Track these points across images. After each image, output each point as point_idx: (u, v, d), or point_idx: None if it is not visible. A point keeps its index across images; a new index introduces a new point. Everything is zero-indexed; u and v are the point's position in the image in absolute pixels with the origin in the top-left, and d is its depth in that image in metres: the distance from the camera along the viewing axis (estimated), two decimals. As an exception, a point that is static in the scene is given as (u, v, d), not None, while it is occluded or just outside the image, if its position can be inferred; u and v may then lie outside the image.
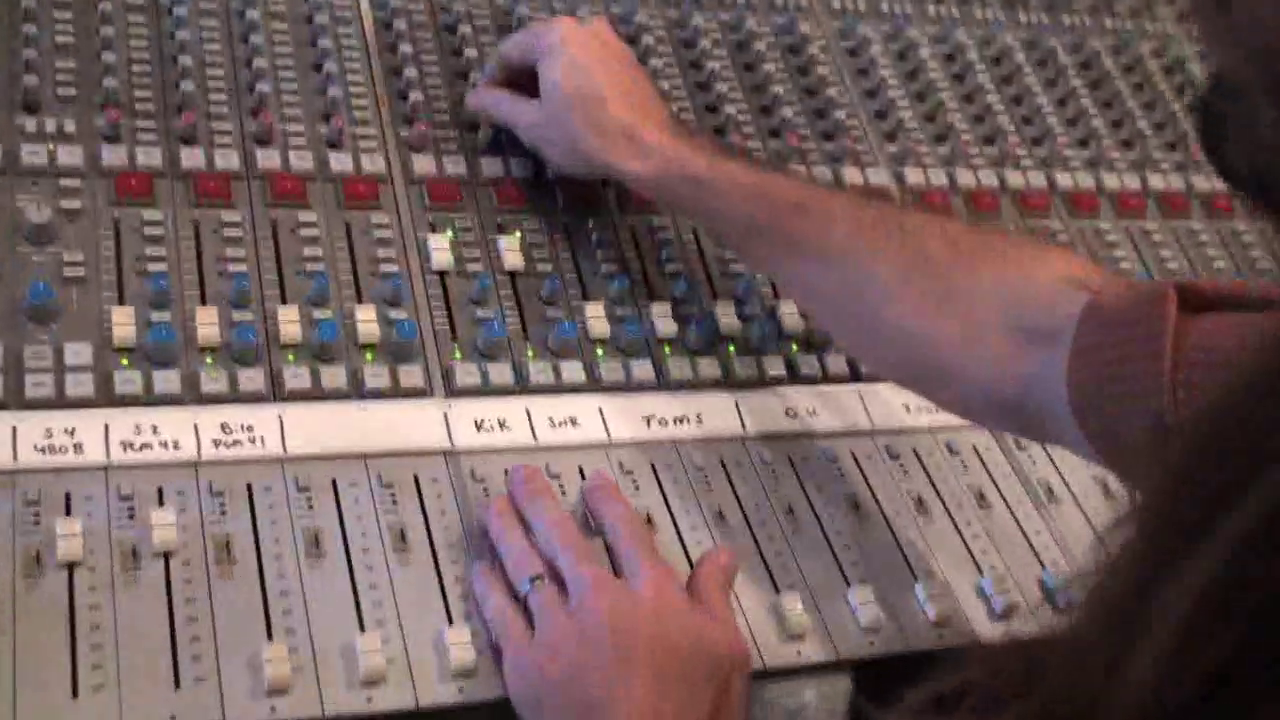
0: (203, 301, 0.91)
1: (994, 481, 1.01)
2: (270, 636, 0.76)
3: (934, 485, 0.99)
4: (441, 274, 0.98)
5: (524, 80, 1.02)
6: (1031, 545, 0.97)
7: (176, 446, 0.83)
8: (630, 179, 0.96)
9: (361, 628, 0.78)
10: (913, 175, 1.17)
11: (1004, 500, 1.00)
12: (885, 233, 0.85)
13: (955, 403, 0.89)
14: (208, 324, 0.89)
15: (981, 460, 1.02)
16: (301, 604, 0.78)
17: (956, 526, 0.97)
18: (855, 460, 0.98)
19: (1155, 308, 0.70)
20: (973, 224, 1.07)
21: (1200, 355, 0.68)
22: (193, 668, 0.74)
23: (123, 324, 0.87)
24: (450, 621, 0.80)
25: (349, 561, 0.81)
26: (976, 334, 0.81)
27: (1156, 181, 1.26)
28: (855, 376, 1.03)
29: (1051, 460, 1.03)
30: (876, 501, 0.96)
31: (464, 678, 0.78)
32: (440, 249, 0.98)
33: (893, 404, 1.02)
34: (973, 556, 0.95)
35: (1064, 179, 1.22)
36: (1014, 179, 1.20)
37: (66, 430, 0.82)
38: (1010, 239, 0.93)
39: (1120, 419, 0.71)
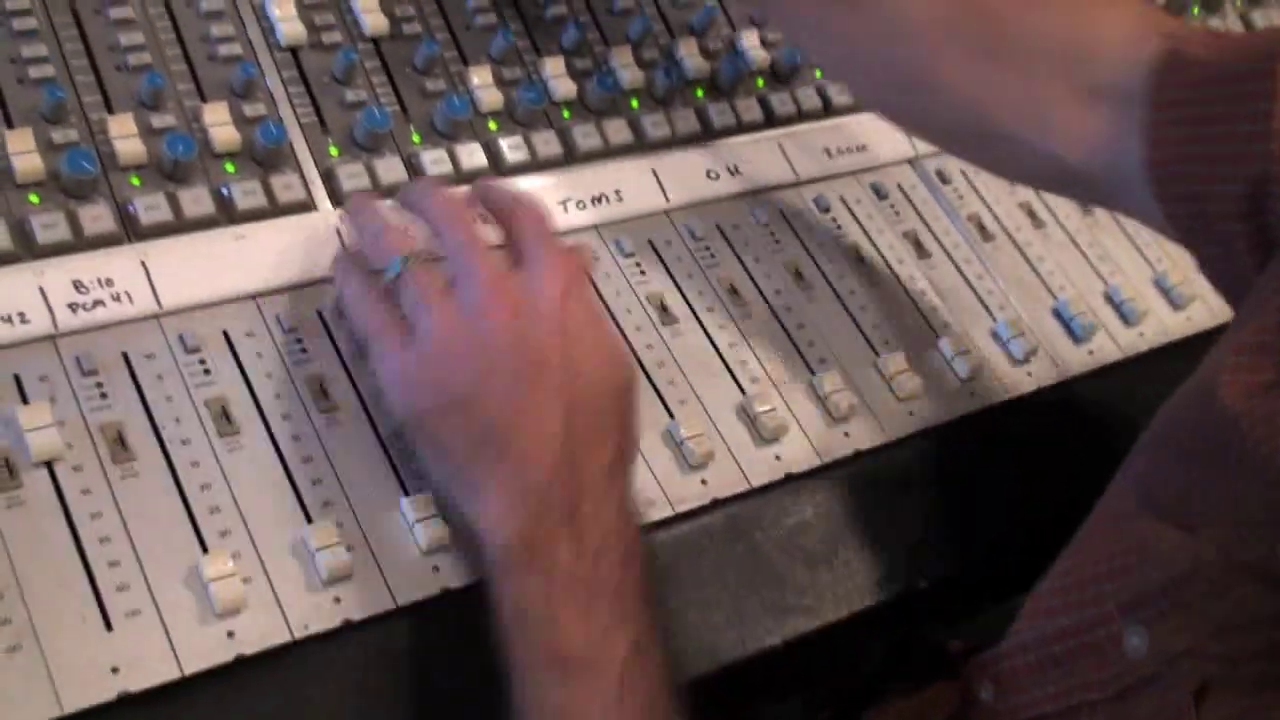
0: (8, 123, 0.71)
1: (989, 207, 0.96)
2: (204, 546, 0.63)
3: (927, 223, 0.93)
4: (294, 50, 0.80)
5: None
6: (1039, 273, 0.93)
7: (24, 319, 0.66)
8: None
9: (308, 517, 0.66)
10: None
11: (1003, 229, 0.95)
12: None
13: (1007, 169, 0.79)
14: (24, 152, 0.69)
15: (973, 185, 0.96)
16: (229, 497, 0.65)
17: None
18: (846, 206, 0.90)
19: (1264, 64, 0.61)
20: None
21: None
22: (121, 600, 0.61)
23: (-88, 167, 0.67)
24: (405, 490, 0.68)
25: (270, 435, 0.68)
26: (1035, 92, 0.70)
27: None
28: (827, 110, 0.95)
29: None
30: (878, 251, 0.89)
31: (440, 553, 0.67)
32: (286, 17, 0.80)
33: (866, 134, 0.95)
34: (981, 299, 0.90)
35: None
36: None
37: (-126, 320, 0.64)
38: None
39: (1206, 188, 0.63)
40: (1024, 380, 0.87)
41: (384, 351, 0.66)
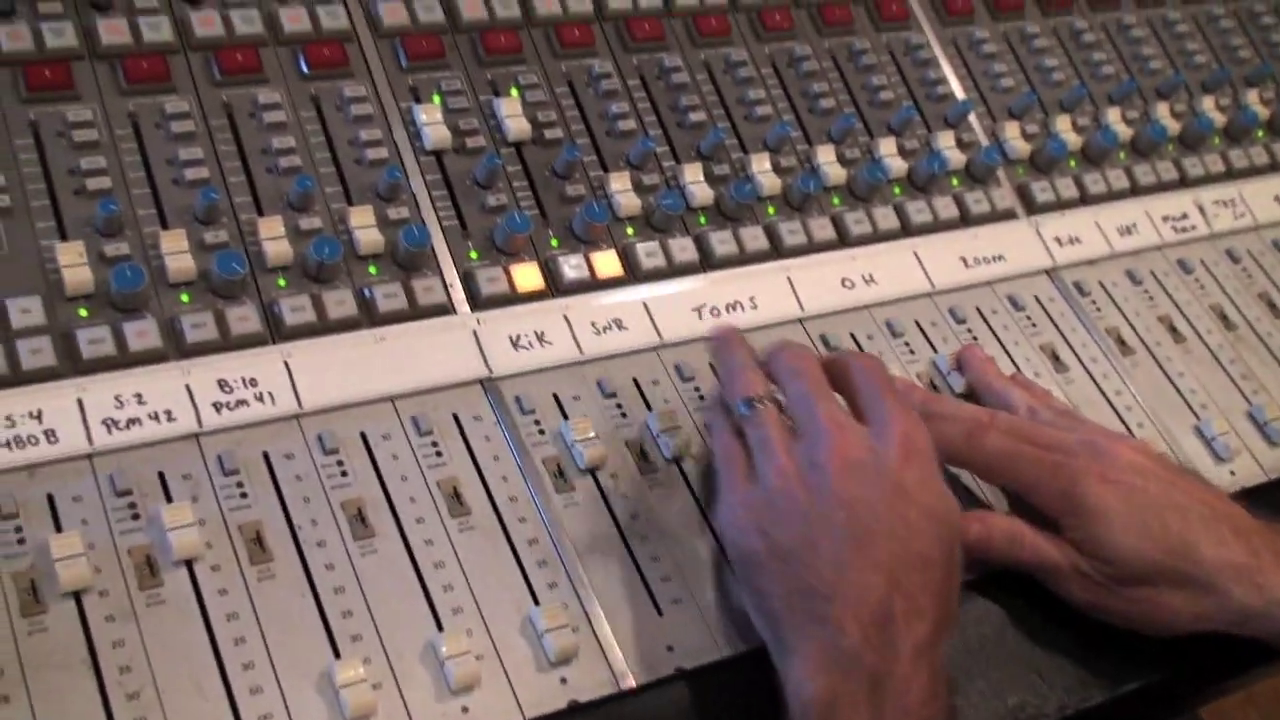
0: (163, 223, 0.73)
1: (1128, 320, 0.95)
2: (337, 651, 0.64)
3: (1064, 336, 0.92)
4: (438, 154, 0.82)
5: None
6: (1179, 390, 0.91)
7: (170, 417, 0.68)
8: None
9: (439, 624, 0.66)
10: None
11: (1143, 343, 0.94)
12: None
13: None
14: (177, 252, 0.72)
15: (1111, 298, 0.96)
16: (362, 602, 0.66)
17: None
18: (982, 317, 0.90)
19: None
20: None
21: None
22: (254, 704, 0.61)
23: (73, 264, 0.69)
24: (535, 600, 0.68)
25: (404, 539, 0.68)
26: None
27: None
28: (965, 220, 0.95)
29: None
30: (1014, 364, 0.86)
31: (565, 665, 0.66)
32: (433, 122, 0.81)
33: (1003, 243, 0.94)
34: (1119, 415, 0.88)
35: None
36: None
37: (31, 414, 0.66)
38: None
39: None
40: (1164, 501, 0.84)
41: (726, 484, 0.68)
